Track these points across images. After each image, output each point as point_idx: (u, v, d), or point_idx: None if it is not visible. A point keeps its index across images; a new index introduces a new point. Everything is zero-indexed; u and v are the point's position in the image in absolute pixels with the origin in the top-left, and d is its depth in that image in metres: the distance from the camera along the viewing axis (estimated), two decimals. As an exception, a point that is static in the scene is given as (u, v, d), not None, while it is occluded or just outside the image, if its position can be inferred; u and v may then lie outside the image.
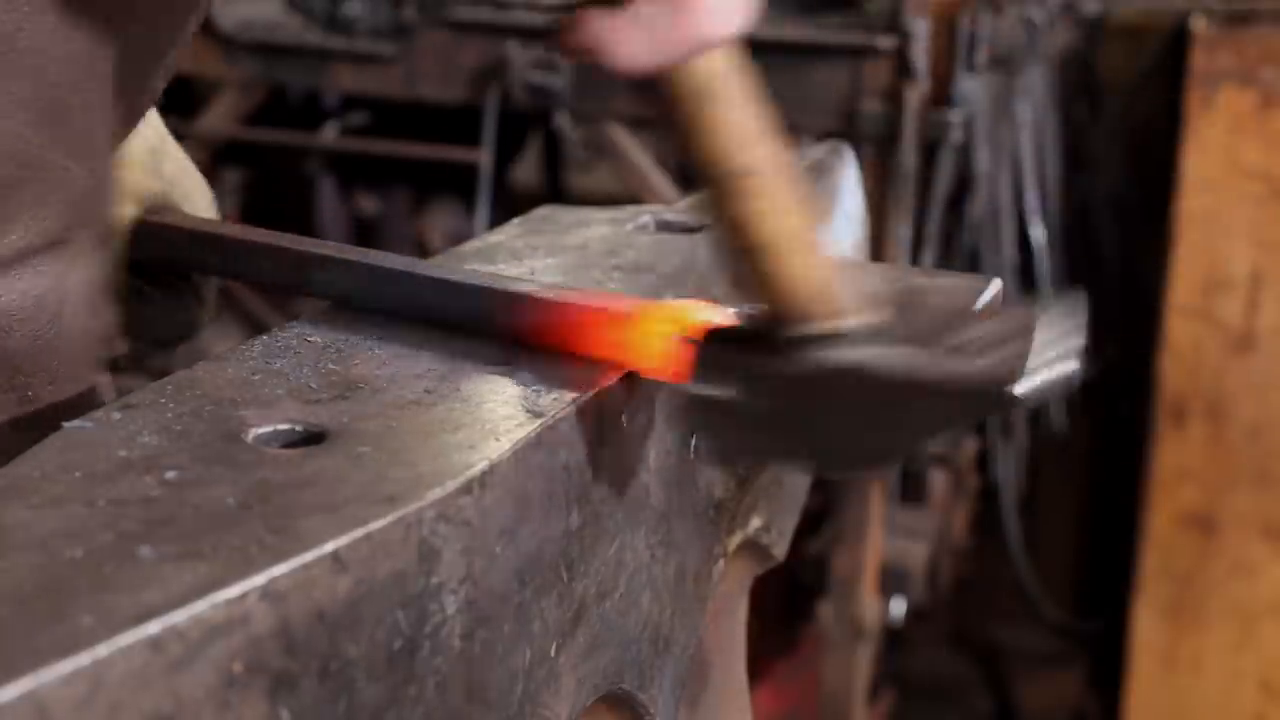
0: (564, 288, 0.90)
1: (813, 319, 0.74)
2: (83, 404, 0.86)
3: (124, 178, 1.00)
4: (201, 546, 0.57)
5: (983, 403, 0.72)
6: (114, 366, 1.03)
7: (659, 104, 0.70)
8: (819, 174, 1.25)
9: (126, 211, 1.01)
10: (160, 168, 1.04)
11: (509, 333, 0.85)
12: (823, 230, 0.76)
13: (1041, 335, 0.73)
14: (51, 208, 0.81)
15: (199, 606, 0.53)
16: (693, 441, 0.92)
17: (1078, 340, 0.74)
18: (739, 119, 0.70)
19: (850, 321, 0.74)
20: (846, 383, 0.73)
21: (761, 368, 0.75)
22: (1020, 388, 0.70)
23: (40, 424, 0.81)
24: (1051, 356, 0.72)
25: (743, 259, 0.74)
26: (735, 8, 0.66)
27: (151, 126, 1.04)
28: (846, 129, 2.73)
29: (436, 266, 0.93)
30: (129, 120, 0.88)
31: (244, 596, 0.55)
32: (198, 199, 1.07)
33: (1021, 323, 0.74)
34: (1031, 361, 0.71)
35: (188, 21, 0.88)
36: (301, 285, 0.95)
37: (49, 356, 0.84)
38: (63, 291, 0.84)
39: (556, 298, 0.85)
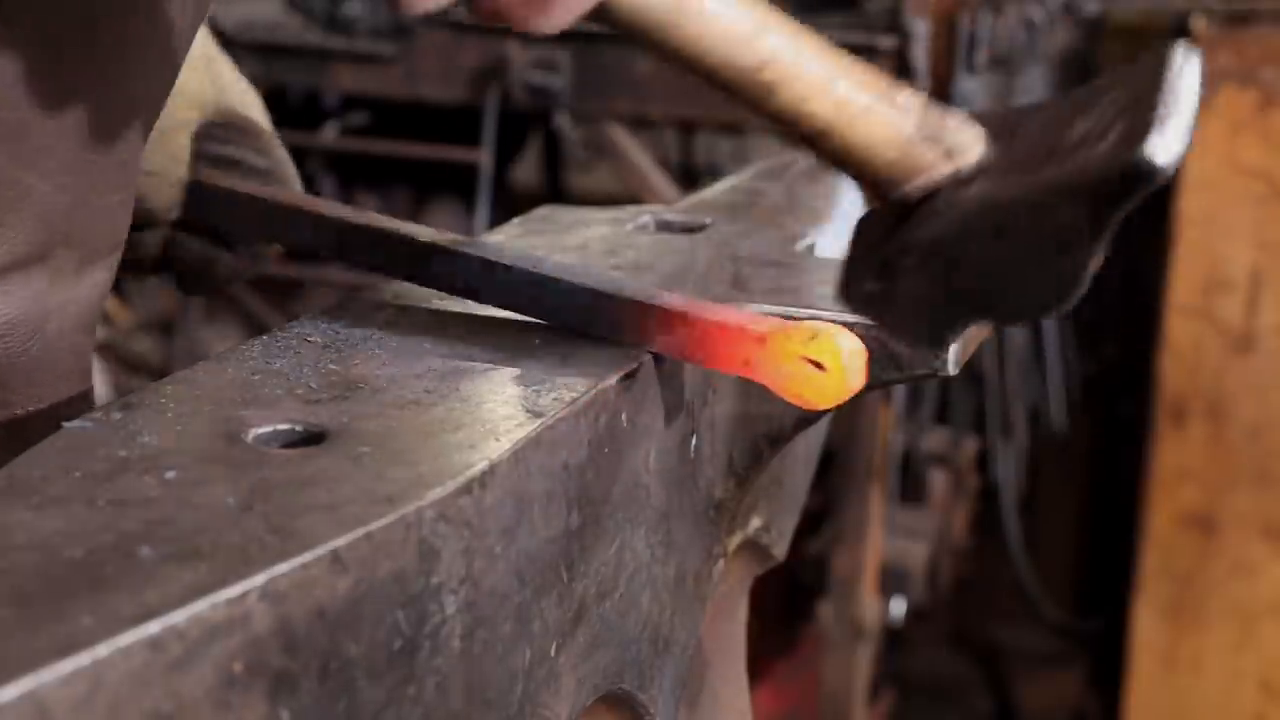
0: (692, 299, 0.86)
1: (914, 176, 0.69)
2: (72, 413, 0.86)
3: (185, 83, 1.02)
4: (201, 546, 0.57)
5: (1127, 184, 0.65)
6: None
7: (642, 44, 0.67)
8: (819, 174, 1.25)
9: (191, 116, 1.06)
10: (216, 74, 1.08)
11: (623, 336, 0.84)
12: (893, 86, 0.69)
13: (1150, 89, 0.67)
14: (19, 227, 0.81)
15: (199, 606, 0.53)
16: (693, 441, 0.92)
17: (1187, 81, 0.68)
18: (723, 19, 0.65)
19: (951, 165, 0.69)
20: (980, 226, 0.68)
21: (897, 244, 0.70)
22: (1157, 152, 0.64)
23: (24, 433, 0.81)
24: (1168, 102, 0.66)
25: (812, 148, 0.69)
26: None
27: (202, 39, 1.06)
28: (846, 129, 2.73)
29: (525, 257, 0.91)
30: (131, 131, 0.87)
31: (244, 596, 0.55)
32: (251, 102, 1.10)
33: (1147, 81, 0.68)
34: (1155, 116, 0.65)
35: (170, 39, 0.87)
36: (384, 265, 0.94)
37: (31, 373, 0.84)
38: (44, 310, 0.84)
39: (688, 309, 0.82)
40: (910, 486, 3.14)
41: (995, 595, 3.72)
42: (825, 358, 0.74)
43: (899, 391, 3.01)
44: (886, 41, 2.76)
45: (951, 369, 0.93)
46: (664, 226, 1.14)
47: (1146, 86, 0.67)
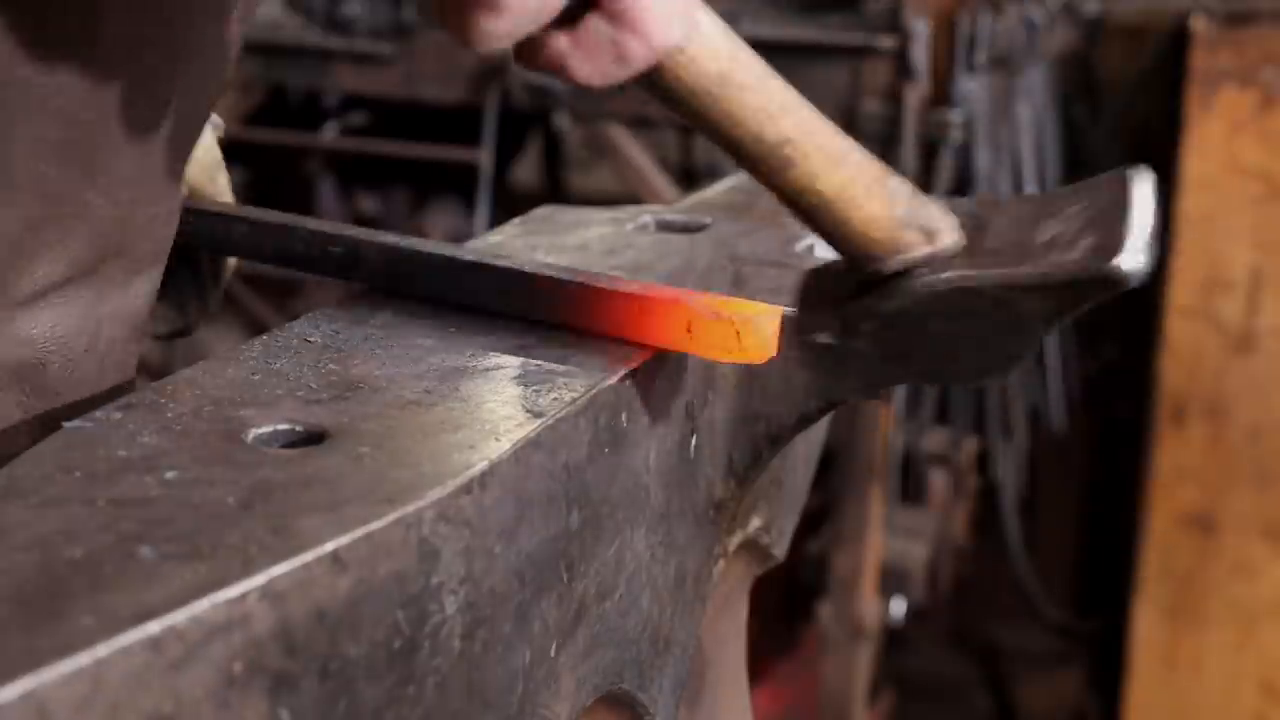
0: (606, 274, 0.90)
1: (895, 253, 0.76)
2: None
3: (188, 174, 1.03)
4: (201, 546, 0.57)
5: (1098, 288, 0.73)
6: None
7: (666, 105, 0.73)
8: (1128, 197, 1.24)
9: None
10: (216, 178, 1.10)
11: (554, 319, 0.86)
12: (886, 172, 0.77)
13: (1112, 204, 0.76)
14: (77, 241, 0.83)
15: (199, 606, 0.53)
16: (693, 441, 0.92)
17: (1145, 199, 0.76)
18: (758, 96, 0.71)
19: (931, 247, 0.77)
20: (947, 306, 0.76)
21: (860, 308, 0.78)
22: (1128, 262, 0.71)
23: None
24: (1134, 220, 0.74)
25: (808, 219, 0.76)
26: (679, 14, 0.67)
27: (212, 144, 1.09)
28: (846, 129, 2.73)
29: (459, 248, 0.93)
30: (179, 144, 0.89)
31: (244, 596, 0.55)
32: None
33: (1108, 199, 0.76)
34: (1125, 231, 0.73)
35: (223, 51, 0.89)
36: (324, 265, 0.95)
37: (82, 382, 0.86)
38: (96, 320, 0.86)
39: (608, 285, 0.86)
40: (910, 486, 3.14)
41: (995, 595, 3.72)
42: (744, 330, 0.80)
43: (899, 391, 3.01)
44: (886, 41, 2.76)
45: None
46: (664, 226, 1.13)
47: (1110, 202, 0.76)
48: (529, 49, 0.67)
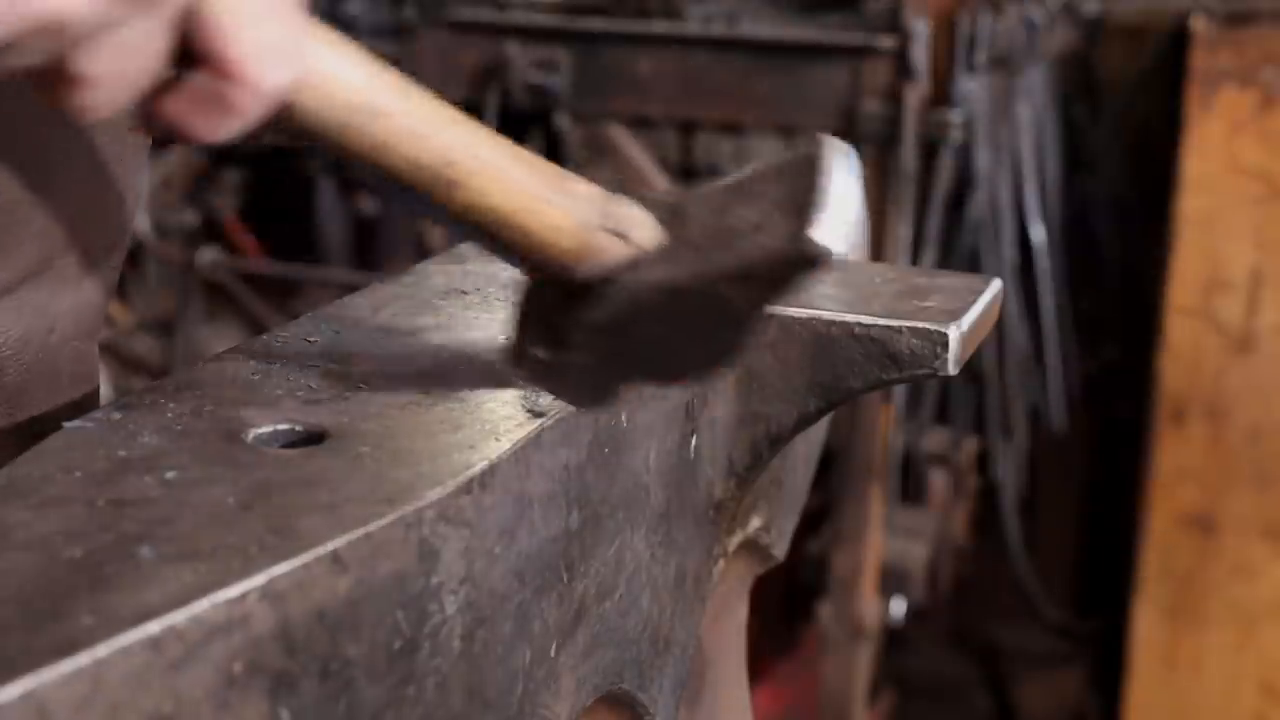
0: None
1: (589, 260, 0.74)
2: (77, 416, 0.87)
3: None
4: (201, 546, 0.57)
5: (789, 271, 0.72)
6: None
7: (315, 146, 0.69)
8: (818, 174, 1.25)
9: None
10: None
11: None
12: (566, 176, 0.75)
13: (815, 180, 0.73)
14: (30, 244, 0.81)
15: (199, 606, 0.53)
16: (693, 441, 0.92)
17: (845, 177, 0.75)
18: (407, 118, 0.68)
19: (625, 250, 0.74)
20: (652, 307, 0.74)
21: (567, 321, 0.75)
22: (814, 242, 0.70)
23: (29, 441, 0.81)
24: (823, 194, 0.72)
25: (488, 240, 0.73)
26: (283, 54, 0.64)
27: None
28: (846, 129, 2.73)
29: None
30: (134, 141, 0.88)
31: (244, 596, 0.55)
32: None
33: (804, 175, 0.74)
34: (816, 206, 0.71)
35: None
36: None
37: (43, 382, 0.84)
38: (50, 319, 0.84)
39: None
40: (910, 486, 3.14)
41: (995, 595, 3.71)
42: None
43: (899, 391, 3.01)
44: (886, 41, 2.76)
45: (951, 369, 0.93)
46: (664, 226, 1.13)
47: (806, 178, 0.74)
48: (141, 114, 0.65)
